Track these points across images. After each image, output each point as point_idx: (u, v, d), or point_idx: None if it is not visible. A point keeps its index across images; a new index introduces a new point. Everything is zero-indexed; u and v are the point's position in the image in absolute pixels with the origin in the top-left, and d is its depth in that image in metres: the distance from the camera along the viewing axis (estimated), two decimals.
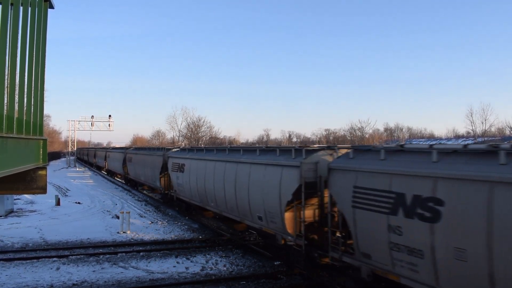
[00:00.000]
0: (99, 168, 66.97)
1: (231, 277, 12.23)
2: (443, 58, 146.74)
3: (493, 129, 73.41)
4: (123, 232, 18.18)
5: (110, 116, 78.35)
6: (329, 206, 10.64)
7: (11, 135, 3.86)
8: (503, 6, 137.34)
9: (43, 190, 5.15)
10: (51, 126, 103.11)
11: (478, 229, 6.66)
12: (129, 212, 19.44)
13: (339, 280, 11.52)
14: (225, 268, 13.20)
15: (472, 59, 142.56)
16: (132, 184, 38.05)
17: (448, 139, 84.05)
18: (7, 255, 14.20)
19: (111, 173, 53.69)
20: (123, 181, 43.09)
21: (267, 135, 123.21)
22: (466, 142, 61.14)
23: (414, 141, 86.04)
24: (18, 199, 28.15)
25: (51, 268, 12.98)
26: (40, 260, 13.85)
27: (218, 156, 17.42)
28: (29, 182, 5.07)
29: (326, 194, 10.90)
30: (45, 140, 5.10)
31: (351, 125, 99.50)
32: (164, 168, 25.01)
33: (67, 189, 36.93)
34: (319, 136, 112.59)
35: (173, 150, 25.20)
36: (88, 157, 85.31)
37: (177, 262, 13.80)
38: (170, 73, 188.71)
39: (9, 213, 23.24)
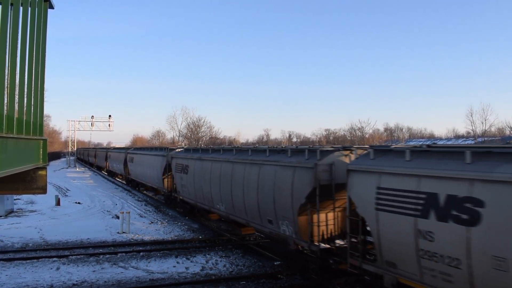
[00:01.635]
0: (112, 174, 51.68)
1: (231, 277, 12.23)
2: (443, 57, 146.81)
3: (493, 129, 73.46)
4: (123, 232, 18.17)
5: (110, 116, 78.41)
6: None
7: (11, 135, 3.85)
8: (504, 5, 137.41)
9: (43, 190, 5.15)
10: (51, 126, 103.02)
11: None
12: (129, 212, 19.44)
13: (339, 281, 11.50)
14: (225, 268, 13.20)
15: (472, 59, 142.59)
16: (191, 213, 22.03)
17: (448, 139, 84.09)
18: (7, 255, 14.20)
19: (134, 184, 36.94)
20: (163, 199, 27.59)
21: (267, 135, 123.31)
22: (466, 142, 61.18)
23: (414, 141, 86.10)
24: (18, 199, 28.14)
25: (51, 268, 12.97)
26: (40, 260, 13.84)
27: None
28: (29, 182, 5.06)
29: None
30: (45, 140, 5.09)
31: (351, 125, 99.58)
32: None
33: (67, 189, 36.93)
34: (319, 136, 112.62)
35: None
36: (96, 159, 68.00)
37: (177, 262, 13.80)
38: (170, 73, 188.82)
39: (9, 213, 23.24)
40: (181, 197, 22.14)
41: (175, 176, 22.92)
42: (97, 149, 76.05)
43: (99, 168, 64.87)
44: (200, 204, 19.41)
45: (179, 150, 25.02)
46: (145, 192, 34.16)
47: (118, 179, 47.02)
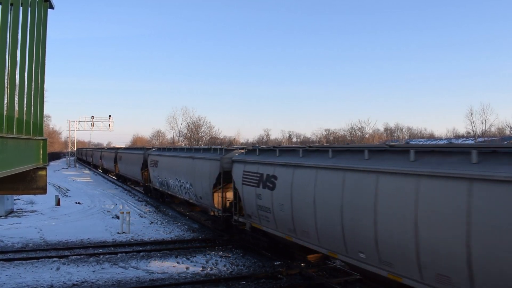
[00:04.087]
0: (156, 193, 29.30)
1: (231, 277, 12.23)
2: (443, 58, 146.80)
3: (493, 129, 73.52)
4: (123, 232, 18.17)
5: (110, 116, 78.54)
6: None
7: (11, 135, 3.85)
8: (504, 5, 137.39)
9: (43, 190, 5.16)
10: (51, 126, 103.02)
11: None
12: (129, 212, 19.44)
13: (339, 280, 11.53)
14: (225, 268, 13.20)
15: (472, 59, 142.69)
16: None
17: (448, 139, 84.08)
18: (7, 255, 14.20)
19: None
20: None
21: (267, 135, 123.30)
22: (466, 142, 61.18)
23: (414, 141, 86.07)
24: (18, 199, 28.14)
25: (51, 268, 12.97)
26: (40, 260, 13.84)
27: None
28: (29, 182, 5.07)
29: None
30: (45, 141, 5.10)
31: (351, 125, 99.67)
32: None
33: (67, 189, 36.92)
34: (319, 136, 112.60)
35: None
36: (119, 165, 43.49)
37: (177, 262, 13.80)
38: (170, 73, 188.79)
39: (9, 213, 23.23)
40: None
41: None
42: (120, 150, 46.10)
43: (124, 180, 43.67)
44: None
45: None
46: None
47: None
